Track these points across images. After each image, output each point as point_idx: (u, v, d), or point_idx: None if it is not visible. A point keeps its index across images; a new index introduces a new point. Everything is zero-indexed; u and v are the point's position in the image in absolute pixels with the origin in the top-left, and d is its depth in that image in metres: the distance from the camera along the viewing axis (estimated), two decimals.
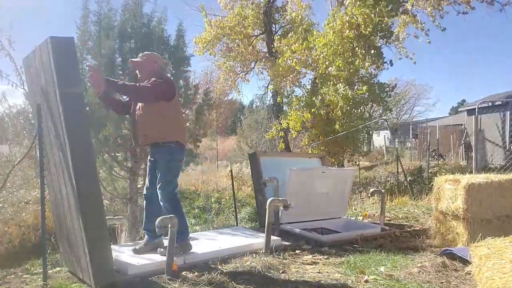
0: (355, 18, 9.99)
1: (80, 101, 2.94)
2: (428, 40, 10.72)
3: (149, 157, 3.57)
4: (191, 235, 4.39)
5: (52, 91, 2.86)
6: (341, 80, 10.23)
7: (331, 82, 10.39)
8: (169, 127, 3.34)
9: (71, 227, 3.10)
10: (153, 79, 3.29)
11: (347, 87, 9.97)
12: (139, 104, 3.40)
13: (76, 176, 2.79)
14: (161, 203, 3.39)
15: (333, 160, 10.54)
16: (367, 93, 10.23)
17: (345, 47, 10.32)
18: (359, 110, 10.78)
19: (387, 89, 10.64)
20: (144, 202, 3.60)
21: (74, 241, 3.11)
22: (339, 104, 10.03)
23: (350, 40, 10.26)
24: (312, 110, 10.73)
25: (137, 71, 3.51)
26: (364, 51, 9.94)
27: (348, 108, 10.10)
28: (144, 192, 3.60)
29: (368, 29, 9.88)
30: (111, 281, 2.91)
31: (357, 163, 13.18)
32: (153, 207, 3.50)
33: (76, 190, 2.81)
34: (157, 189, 3.38)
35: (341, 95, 9.84)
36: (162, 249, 3.40)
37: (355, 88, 10.18)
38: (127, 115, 3.75)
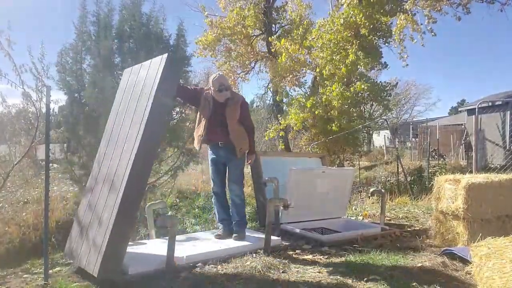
0: (354, 18, 9.99)
1: (166, 110, 3.43)
2: (422, 43, 10.75)
3: (215, 159, 4.15)
4: (191, 235, 4.40)
5: (146, 95, 3.21)
6: (337, 79, 10.23)
7: (329, 82, 10.39)
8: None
9: (100, 215, 3.19)
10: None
11: (344, 86, 9.96)
12: (230, 121, 3.96)
13: (133, 164, 3.01)
14: (232, 197, 4.14)
15: (332, 159, 10.54)
16: (367, 92, 10.23)
17: (343, 46, 10.31)
18: (357, 109, 10.77)
19: (387, 88, 10.63)
20: (214, 198, 4.27)
21: (95, 228, 3.17)
22: (335, 104, 10.02)
23: (348, 40, 10.25)
24: (312, 109, 10.72)
25: (227, 92, 4.02)
26: (360, 51, 9.92)
27: (346, 107, 10.09)
28: (214, 189, 4.23)
29: (366, 29, 9.88)
30: (113, 278, 2.93)
31: (357, 163, 13.18)
32: (223, 201, 4.23)
33: (127, 178, 3.00)
34: (231, 186, 4.13)
35: (337, 94, 9.83)
36: (236, 235, 4.06)
37: (354, 86, 10.16)
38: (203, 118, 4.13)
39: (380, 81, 10.90)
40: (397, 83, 11.02)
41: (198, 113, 4.14)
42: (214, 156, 4.17)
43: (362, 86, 9.80)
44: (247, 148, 4.12)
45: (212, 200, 4.40)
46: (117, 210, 2.96)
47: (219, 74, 4.14)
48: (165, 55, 3.23)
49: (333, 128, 10.21)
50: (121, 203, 2.96)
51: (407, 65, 11.36)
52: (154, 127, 3.13)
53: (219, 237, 4.16)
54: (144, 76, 3.41)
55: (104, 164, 3.49)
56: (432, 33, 10.55)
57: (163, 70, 3.15)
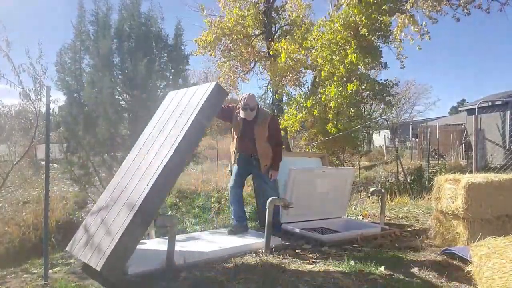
0: (353, 17, 9.98)
1: (203, 129, 3.52)
2: (419, 46, 10.72)
3: (242, 165, 4.44)
4: (190, 235, 4.40)
5: (187, 114, 3.42)
6: (336, 79, 10.22)
7: (329, 82, 10.39)
8: None
9: (117, 210, 3.23)
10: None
11: (342, 86, 9.96)
12: (258, 140, 4.25)
13: (165, 168, 3.13)
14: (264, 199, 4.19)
15: (331, 159, 10.54)
16: (367, 92, 10.22)
17: (343, 46, 10.31)
18: (357, 109, 10.77)
19: (389, 86, 10.61)
20: (232, 196, 4.46)
21: (108, 223, 3.20)
22: (332, 104, 10.01)
23: (347, 39, 10.25)
24: (311, 110, 10.72)
25: (252, 112, 4.24)
26: (360, 51, 9.92)
27: (345, 106, 10.08)
28: (234, 188, 4.43)
29: (366, 29, 9.87)
30: (116, 276, 2.95)
31: (357, 162, 13.17)
32: (241, 199, 4.50)
33: (154, 179, 3.10)
34: (264, 191, 4.40)
35: (335, 94, 9.82)
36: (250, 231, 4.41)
37: (352, 86, 10.16)
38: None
39: (381, 79, 10.91)
40: (398, 82, 11.01)
41: (232, 130, 4.46)
42: (242, 160, 4.46)
43: (363, 86, 9.80)
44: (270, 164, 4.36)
45: (229, 197, 4.57)
46: (130, 219, 3.01)
47: (248, 94, 4.35)
48: (214, 83, 3.48)
49: (332, 129, 10.21)
50: (134, 216, 2.99)
51: (403, 67, 11.30)
52: (187, 144, 3.28)
53: (232, 232, 4.34)
54: (190, 98, 3.61)
55: (131, 171, 3.57)
56: (427, 36, 10.52)
57: (210, 95, 3.37)
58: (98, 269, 2.88)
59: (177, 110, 3.65)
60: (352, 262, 3.42)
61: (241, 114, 4.25)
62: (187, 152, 3.37)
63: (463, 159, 15.89)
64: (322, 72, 10.54)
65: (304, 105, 10.95)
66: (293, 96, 12.03)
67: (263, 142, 4.26)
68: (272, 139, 4.33)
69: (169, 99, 4.02)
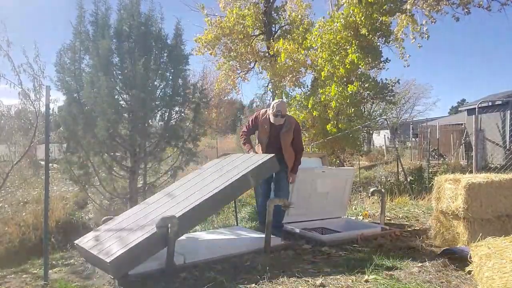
0: (353, 17, 9.98)
1: (247, 186, 4.13)
2: (419, 45, 10.71)
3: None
4: (191, 234, 4.40)
5: (239, 168, 3.95)
6: (335, 79, 10.21)
7: (329, 82, 10.38)
8: None
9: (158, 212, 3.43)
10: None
11: (342, 86, 9.95)
12: (284, 144, 4.40)
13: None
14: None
15: (331, 159, 10.53)
16: (367, 92, 10.22)
17: (343, 46, 10.30)
18: (357, 109, 10.76)
19: (390, 85, 10.60)
20: (260, 199, 4.70)
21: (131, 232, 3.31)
22: (332, 104, 9.99)
23: (348, 39, 10.24)
24: (311, 110, 10.71)
25: (282, 118, 4.42)
26: (360, 51, 9.91)
27: (345, 107, 10.08)
28: (264, 196, 4.56)
29: (366, 29, 9.86)
30: (122, 271, 3.01)
31: (357, 162, 13.15)
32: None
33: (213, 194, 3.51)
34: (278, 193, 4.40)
35: (335, 94, 9.81)
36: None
37: (352, 86, 10.16)
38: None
39: (381, 78, 10.90)
40: (399, 80, 10.98)
41: (258, 135, 4.62)
42: None
43: (364, 85, 9.80)
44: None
45: (258, 200, 4.71)
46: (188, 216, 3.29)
47: (280, 100, 4.61)
48: (272, 156, 4.02)
49: (332, 129, 10.20)
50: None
51: (408, 65, 11.32)
52: (230, 191, 3.69)
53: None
54: (248, 158, 4.14)
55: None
56: (426, 36, 10.53)
57: (264, 162, 3.93)
58: (107, 261, 2.94)
59: (234, 162, 4.19)
60: (352, 262, 3.42)
61: (272, 119, 4.42)
62: (227, 193, 3.68)
63: (463, 159, 15.88)
64: (322, 73, 10.53)
65: (305, 104, 10.95)
66: (293, 96, 12.01)
67: (288, 147, 4.43)
68: (295, 145, 4.49)
69: (228, 158, 4.48)
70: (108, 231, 3.47)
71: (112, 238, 3.28)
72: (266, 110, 4.57)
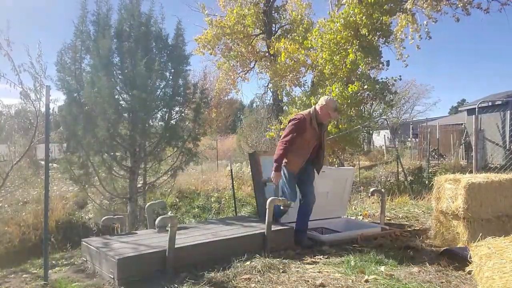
0: (354, 17, 9.97)
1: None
2: (418, 46, 10.70)
3: (301, 171, 4.29)
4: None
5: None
6: (336, 79, 10.20)
7: (329, 82, 10.37)
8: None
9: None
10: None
11: (343, 86, 9.94)
12: (324, 143, 4.31)
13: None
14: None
15: (331, 159, 10.52)
16: (367, 92, 10.20)
17: (343, 46, 10.29)
18: (357, 109, 10.74)
19: (389, 84, 10.58)
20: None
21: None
22: None
23: (348, 39, 10.23)
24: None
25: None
26: (360, 51, 9.90)
27: (345, 107, 10.06)
28: (294, 199, 4.35)
29: (366, 28, 9.85)
30: (127, 273, 3.04)
31: (357, 162, 13.15)
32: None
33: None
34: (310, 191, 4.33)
35: (336, 95, 9.80)
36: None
37: (353, 86, 10.14)
38: None
39: (381, 78, 10.88)
40: (400, 76, 10.90)
41: (304, 138, 4.14)
42: (303, 167, 4.29)
43: (364, 86, 9.78)
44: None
45: (291, 205, 4.24)
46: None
47: (329, 97, 4.36)
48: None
49: (333, 129, 10.18)
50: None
51: (406, 65, 11.30)
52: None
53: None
54: None
55: None
56: (428, 36, 10.53)
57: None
58: (115, 260, 3.01)
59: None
60: (352, 262, 3.42)
61: (333, 115, 4.28)
62: None
63: (463, 159, 15.88)
64: (325, 71, 10.52)
65: (307, 102, 10.93)
66: (298, 95, 12.00)
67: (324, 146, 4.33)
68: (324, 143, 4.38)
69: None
70: (122, 242, 3.60)
71: (124, 244, 3.45)
72: (310, 111, 4.18)
